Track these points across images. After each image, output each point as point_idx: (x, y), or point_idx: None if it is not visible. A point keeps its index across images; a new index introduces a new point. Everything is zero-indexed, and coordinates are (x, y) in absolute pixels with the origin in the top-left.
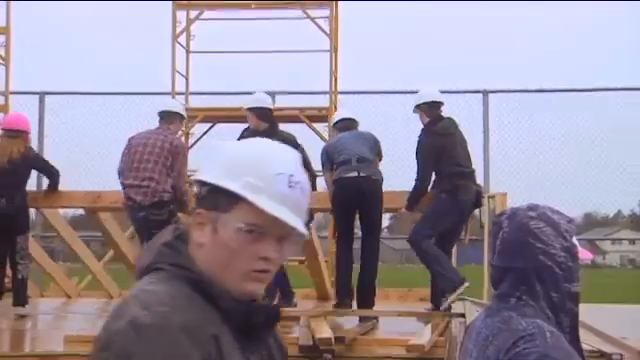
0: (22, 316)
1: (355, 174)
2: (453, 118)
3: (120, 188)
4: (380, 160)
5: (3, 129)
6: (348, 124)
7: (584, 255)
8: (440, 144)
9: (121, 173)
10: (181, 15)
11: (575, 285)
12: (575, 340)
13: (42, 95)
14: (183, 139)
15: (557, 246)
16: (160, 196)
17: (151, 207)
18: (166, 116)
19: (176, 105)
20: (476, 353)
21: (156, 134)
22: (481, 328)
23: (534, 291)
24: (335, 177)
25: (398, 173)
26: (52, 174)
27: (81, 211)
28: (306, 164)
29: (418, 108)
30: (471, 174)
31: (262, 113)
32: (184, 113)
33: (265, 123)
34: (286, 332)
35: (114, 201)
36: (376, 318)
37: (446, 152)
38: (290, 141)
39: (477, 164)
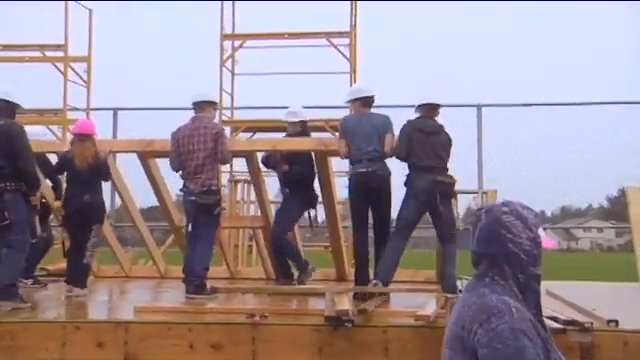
0: (77, 297)
1: (364, 170)
2: (437, 122)
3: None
4: (393, 137)
5: (74, 134)
6: (370, 100)
7: (547, 244)
8: (411, 134)
9: (175, 167)
10: (227, 44)
11: (538, 268)
12: (539, 313)
13: (115, 111)
14: (219, 122)
15: (524, 236)
16: (209, 185)
17: (200, 193)
18: (204, 105)
19: (208, 94)
20: (455, 318)
21: (197, 128)
22: (460, 300)
23: (504, 273)
24: (350, 173)
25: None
26: (107, 179)
27: (150, 204)
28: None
29: (419, 109)
30: (427, 167)
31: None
32: (216, 99)
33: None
34: (314, 305)
35: (164, 147)
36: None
37: (412, 143)
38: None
39: (472, 166)
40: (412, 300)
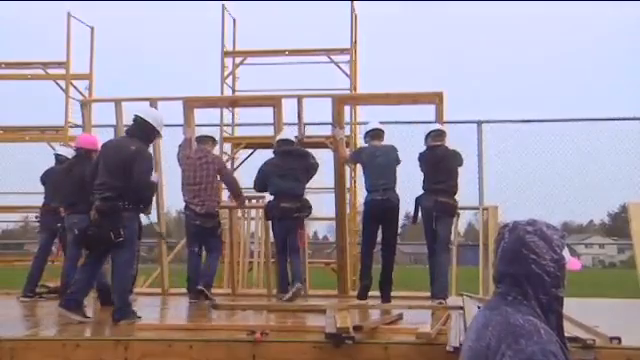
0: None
1: (379, 197)
2: (445, 148)
3: None
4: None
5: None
6: (378, 133)
7: (573, 266)
8: (427, 160)
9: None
10: (228, 61)
11: (561, 290)
12: (561, 335)
13: (115, 128)
14: (217, 153)
15: (547, 258)
16: (212, 208)
17: (205, 216)
18: (207, 139)
19: (212, 131)
20: (474, 336)
21: (201, 158)
22: (480, 318)
23: (526, 293)
24: (366, 199)
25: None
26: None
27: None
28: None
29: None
30: (431, 190)
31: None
32: (216, 136)
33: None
34: (315, 322)
35: (203, 101)
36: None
37: (426, 168)
38: (305, 153)
39: (473, 182)
40: (413, 317)
